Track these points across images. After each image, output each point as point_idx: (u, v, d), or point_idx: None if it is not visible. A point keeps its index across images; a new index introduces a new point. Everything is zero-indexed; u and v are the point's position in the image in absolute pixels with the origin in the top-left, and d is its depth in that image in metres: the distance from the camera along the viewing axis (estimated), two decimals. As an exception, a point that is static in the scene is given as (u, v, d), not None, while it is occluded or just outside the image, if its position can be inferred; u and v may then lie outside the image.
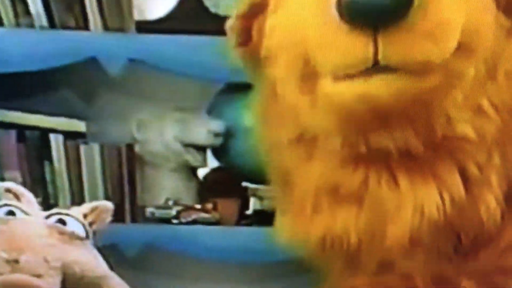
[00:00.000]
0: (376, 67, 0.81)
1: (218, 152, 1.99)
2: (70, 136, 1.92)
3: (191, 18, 1.89)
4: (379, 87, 0.82)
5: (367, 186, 0.89)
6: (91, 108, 2.05)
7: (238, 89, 1.75)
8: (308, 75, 0.88)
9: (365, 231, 0.90)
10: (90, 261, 1.31)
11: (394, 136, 0.86)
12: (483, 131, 0.89)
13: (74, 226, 1.32)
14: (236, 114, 1.87)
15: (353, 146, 0.88)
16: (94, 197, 1.85)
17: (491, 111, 0.90)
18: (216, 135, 1.93)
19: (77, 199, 1.86)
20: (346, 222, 0.90)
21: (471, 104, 0.89)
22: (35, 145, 1.88)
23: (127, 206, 1.90)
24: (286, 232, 0.99)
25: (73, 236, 1.31)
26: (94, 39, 1.85)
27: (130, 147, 1.93)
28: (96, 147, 1.91)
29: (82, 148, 1.90)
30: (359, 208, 0.89)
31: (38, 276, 1.21)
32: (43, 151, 1.88)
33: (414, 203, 0.86)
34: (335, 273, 0.95)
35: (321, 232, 0.92)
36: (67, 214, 1.33)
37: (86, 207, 1.39)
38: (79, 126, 1.95)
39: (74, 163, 1.89)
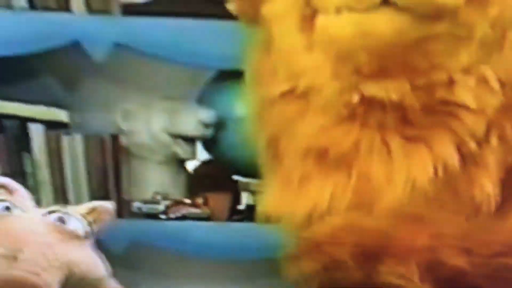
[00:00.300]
0: (384, 3, 0.81)
1: (209, 144, 1.96)
2: (51, 126, 1.88)
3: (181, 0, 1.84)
4: (382, 22, 0.81)
5: (358, 151, 0.89)
6: (74, 96, 2.01)
7: (231, 77, 1.72)
8: (308, 12, 0.89)
9: (352, 205, 0.90)
10: (90, 262, 1.31)
11: (391, 87, 0.85)
12: (484, 103, 0.89)
13: (74, 225, 1.32)
14: (228, 103, 1.84)
15: (347, 95, 0.88)
16: (77, 191, 1.84)
17: (495, 84, 0.90)
18: (207, 125, 1.90)
19: (59, 193, 1.84)
20: (333, 196, 0.90)
21: (475, 71, 0.89)
22: (14, 135, 1.85)
23: (112, 200, 1.72)
24: (272, 206, 0.99)
25: (72, 235, 1.30)
26: (76, 22, 1.81)
27: (115, 138, 1.90)
28: (79, 138, 1.88)
29: (64, 138, 1.87)
30: (348, 178, 0.89)
31: (36, 274, 1.20)
32: (22, 142, 1.84)
33: (406, 176, 0.87)
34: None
35: (307, 207, 0.92)
36: (66, 213, 1.33)
37: (85, 207, 1.38)
38: (61, 115, 1.91)
39: (55, 155, 1.85)
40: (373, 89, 0.88)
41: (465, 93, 0.89)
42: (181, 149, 1.93)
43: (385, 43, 0.83)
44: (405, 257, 0.87)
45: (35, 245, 1.24)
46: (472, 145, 0.90)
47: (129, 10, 1.84)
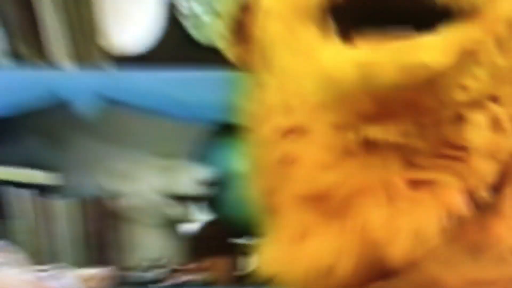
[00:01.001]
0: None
1: (210, 203, 1.93)
2: (34, 189, 1.85)
3: (177, 50, 1.85)
4: (383, 61, 0.80)
5: (358, 196, 0.86)
6: (61, 157, 1.97)
7: (232, 131, 1.70)
8: (305, 35, 0.87)
9: (357, 258, 0.86)
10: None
11: (394, 128, 0.84)
12: (496, 146, 0.86)
13: (67, 284, 1.39)
14: (229, 159, 1.82)
15: (346, 136, 0.86)
16: (64, 257, 1.80)
17: (508, 124, 0.87)
18: (205, 184, 1.87)
19: (47, 258, 1.78)
20: (336, 250, 0.87)
21: (486, 110, 0.86)
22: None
23: (103, 268, 1.80)
24: (271, 265, 0.94)
25: None
26: (65, 78, 1.80)
27: (107, 200, 1.88)
28: (67, 202, 1.86)
29: (53, 203, 1.84)
30: (350, 228, 0.86)
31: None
32: (2, 206, 1.82)
33: (410, 227, 0.84)
34: None
35: (309, 264, 0.89)
36: (61, 271, 1.41)
37: (83, 273, 1.44)
38: (48, 178, 1.88)
39: (43, 219, 1.83)
40: (376, 132, 0.85)
41: (475, 133, 0.86)
42: (176, 211, 1.91)
43: (390, 86, 0.81)
44: None
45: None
46: (483, 193, 0.86)
47: (120, 63, 1.83)
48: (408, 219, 0.84)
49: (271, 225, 0.95)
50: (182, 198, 1.88)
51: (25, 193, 1.82)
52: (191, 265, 1.84)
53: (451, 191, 0.85)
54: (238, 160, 1.72)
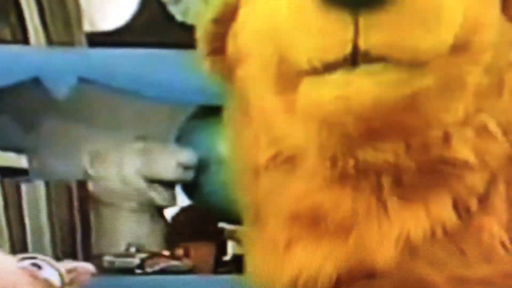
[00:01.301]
0: (357, 58, 0.81)
1: (189, 188, 1.92)
2: (8, 172, 1.84)
3: (153, 28, 1.85)
4: (364, 82, 0.82)
5: (351, 216, 0.88)
6: (34, 138, 1.96)
7: (213, 113, 1.71)
8: (284, 73, 0.88)
9: (344, 268, 0.88)
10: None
11: (383, 149, 0.86)
12: (486, 155, 0.89)
13: (50, 274, 1.34)
14: (210, 142, 1.81)
15: (335, 160, 0.88)
16: (38, 245, 1.79)
17: (496, 131, 0.89)
18: (187, 168, 1.86)
19: (18, 248, 1.77)
20: (323, 260, 0.89)
21: (473, 121, 0.88)
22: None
23: (80, 255, 1.82)
24: (255, 273, 0.96)
25: (46, 284, 1.32)
26: (36, 55, 1.78)
27: (82, 184, 1.87)
28: (40, 186, 1.83)
29: (24, 186, 1.82)
30: (342, 242, 0.88)
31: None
32: None
33: (400, 233, 0.87)
34: None
35: (293, 272, 0.90)
36: (44, 260, 1.36)
37: (64, 265, 1.40)
38: (19, 160, 1.88)
39: (14, 204, 1.80)
40: (365, 154, 0.87)
41: (463, 147, 0.88)
42: (158, 195, 1.89)
43: (371, 104, 0.83)
44: None
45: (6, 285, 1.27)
46: (473, 203, 0.89)
47: (95, 41, 1.82)
48: (398, 229, 0.85)
49: (255, 233, 0.96)
50: (164, 182, 1.87)
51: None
52: (171, 251, 1.83)
53: (442, 205, 0.86)
54: (219, 143, 1.77)
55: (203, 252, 1.84)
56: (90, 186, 1.86)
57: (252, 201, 0.99)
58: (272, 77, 0.91)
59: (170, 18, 1.86)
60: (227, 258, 1.90)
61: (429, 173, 0.87)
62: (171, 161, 1.84)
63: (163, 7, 1.86)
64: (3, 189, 1.79)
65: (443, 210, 0.87)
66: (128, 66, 1.76)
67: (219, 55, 1.01)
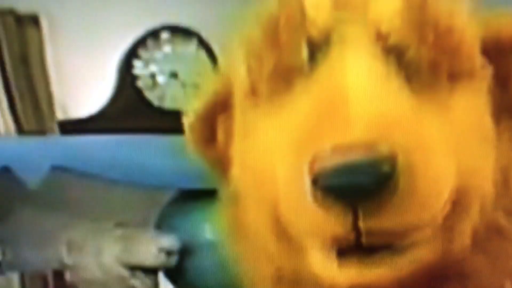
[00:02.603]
0: (361, 243, 0.77)
1: (173, 273, 1.88)
2: None
3: (129, 113, 1.85)
4: (372, 274, 0.78)
5: None
6: (6, 229, 1.92)
7: (194, 197, 1.71)
8: (285, 234, 0.83)
9: None
10: None
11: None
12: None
13: None
14: (193, 226, 1.79)
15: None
16: None
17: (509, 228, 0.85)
18: (169, 253, 1.82)
19: None
20: None
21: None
22: None
23: None
24: None
25: None
26: (5, 145, 1.75)
27: (58, 274, 1.83)
28: (14, 278, 1.80)
29: None
30: None
31: None
32: None
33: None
34: None
35: None
36: None
37: None
38: None
39: None
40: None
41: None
42: (139, 282, 1.85)
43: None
44: None
45: None
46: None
47: (68, 129, 1.81)
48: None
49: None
50: (144, 269, 1.82)
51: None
52: None
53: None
54: (206, 227, 1.72)
55: None
56: (67, 276, 1.81)
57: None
58: (271, 228, 0.84)
59: (147, 103, 1.87)
60: None
61: None
62: (151, 247, 1.80)
63: (139, 92, 1.87)
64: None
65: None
66: (103, 152, 1.75)
67: (208, 146, 0.95)
